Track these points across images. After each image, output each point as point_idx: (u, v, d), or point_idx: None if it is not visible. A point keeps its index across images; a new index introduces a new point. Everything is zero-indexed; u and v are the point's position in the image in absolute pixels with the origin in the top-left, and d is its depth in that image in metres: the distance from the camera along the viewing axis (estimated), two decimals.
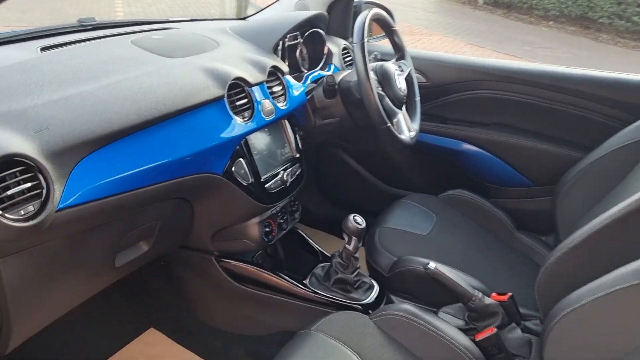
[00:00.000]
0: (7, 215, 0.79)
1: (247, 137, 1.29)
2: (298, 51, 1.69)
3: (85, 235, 1.02)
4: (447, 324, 1.19)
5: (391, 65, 1.56)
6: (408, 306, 1.20)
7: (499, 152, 1.86)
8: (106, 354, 1.52)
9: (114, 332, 1.60)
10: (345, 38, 2.05)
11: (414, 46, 7.19)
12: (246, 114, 1.29)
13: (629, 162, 1.43)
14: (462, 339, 1.15)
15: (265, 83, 1.37)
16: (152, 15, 7.90)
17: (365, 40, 1.42)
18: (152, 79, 1.13)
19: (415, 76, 1.73)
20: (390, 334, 1.17)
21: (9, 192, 0.80)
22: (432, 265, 1.33)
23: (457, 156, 1.95)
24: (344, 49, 1.92)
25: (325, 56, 1.79)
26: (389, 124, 1.44)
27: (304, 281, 1.45)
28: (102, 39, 1.35)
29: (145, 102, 1.05)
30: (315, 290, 1.42)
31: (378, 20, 1.59)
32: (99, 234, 1.05)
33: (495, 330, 1.20)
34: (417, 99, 1.72)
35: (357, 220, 1.35)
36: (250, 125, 1.28)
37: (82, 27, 1.52)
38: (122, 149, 0.99)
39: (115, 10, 7.73)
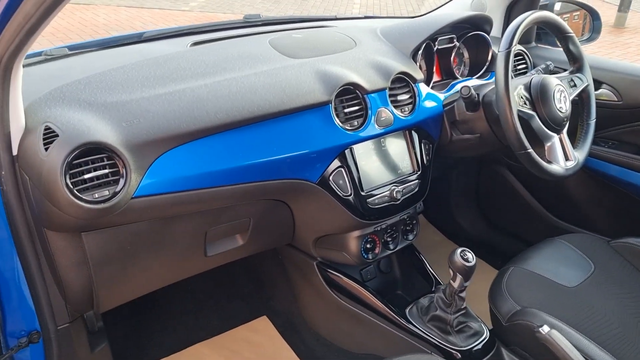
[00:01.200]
0: (81, 196, 0.89)
1: (355, 147, 1.22)
2: (453, 55, 1.53)
3: (167, 222, 1.10)
4: None
5: (552, 80, 1.30)
6: None
7: None
8: (215, 330, 1.63)
9: (231, 311, 1.71)
10: (526, 42, 1.78)
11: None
12: (356, 122, 1.22)
13: None
14: None
15: (387, 90, 1.27)
16: (385, 8, 8.10)
17: (513, 48, 1.21)
18: (258, 79, 1.14)
19: (593, 93, 1.41)
20: None
21: (86, 176, 0.90)
22: (544, 329, 1.09)
23: None
24: (518, 54, 1.66)
25: (488, 62, 1.58)
26: (529, 150, 1.20)
27: (406, 308, 1.33)
28: (246, 37, 1.42)
29: (239, 102, 1.07)
30: (413, 321, 1.29)
31: (545, 24, 1.33)
32: (181, 223, 1.12)
33: None
34: (592, 121, 1.40)
35: (465, 256, 1.17)
36: (358, 134, 1.21)
37: (246, 23, 1.63)
38: (206, 147, 1.03)
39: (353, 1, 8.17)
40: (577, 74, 1.40)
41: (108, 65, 1.14)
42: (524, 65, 1.68)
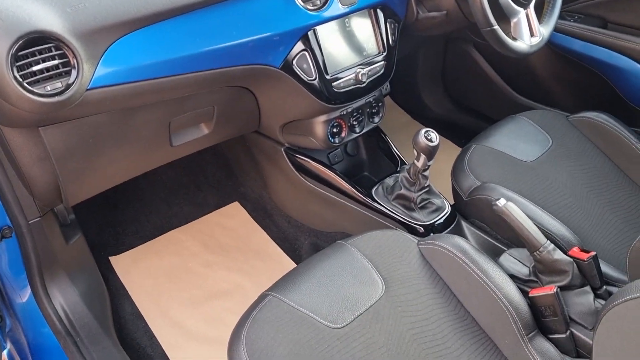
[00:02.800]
0: (32, 89, 0.85)
1: (318, 28, 1.17)
2: None
3: (128, 113, 1.07)
4: (499, 271, 1.04)
5: None
6: (461, 242, 1.07)
7: None
8: (189, 217, 1.67)
9: (202, 198, 1.75)
10: None
11: None
12: (318, 1, 1.16)
13: None
14: (510, 291, 1.01)
15: None
16: None
17: None
18: None
19: None
20: (432, 266, 1.07)
21: (34, 68, 0.85)
22: (501, 202, 1.15)
23: (611, 72, 1.56)
24: None
25: None
26: (495, 27, 1.18)
27: (372, 188, 1.38)
28: None
29: None
30: (379, 200, 1.34)
31: None
32: (143, 114, 1.10)
33: (555, 289, 1.03)
34: None
35: (429, 137, 1.19)
36: (320, 15, 1.16)
37: None
38: (161, 33, 0.98)
39: None
40: None
41: None
42: None
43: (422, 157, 1.22)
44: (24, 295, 1.21)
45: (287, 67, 1.16)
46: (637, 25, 1.50)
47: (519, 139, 1.42)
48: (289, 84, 1.19)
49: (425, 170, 1.25)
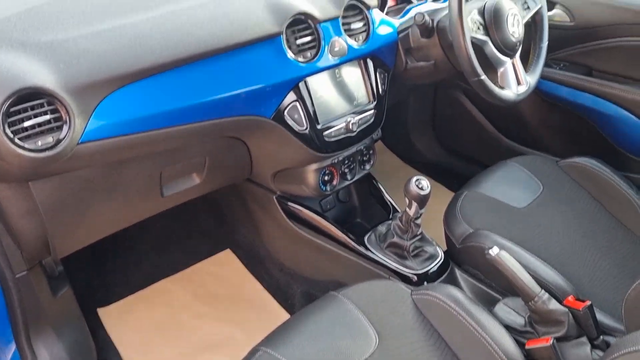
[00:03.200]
0: (23, 144, 0.85)
1: (309, 79, 1.19)
2: None
3: (119, 166, 1.07)
4: (494, 322, 1.03)
5: (506, 4, 1.28)
6: (455, 292, 1.06)
7: None
8: (179, 266, 1.65)
9: (194, 247, 1.73)
10: None
11: None
12: (309, 53, 1.18)
13: None
14: (505, 343, 0.99)
15: (340, 19, 1.23)
16: None
17: None
18: (204, 12, 1.08)
19: (546, 16, 1.40)
20: (427, 317, 1.05)
21: (26, 124, 0.85)
22: (494, 250, 1.14)
23: (598, 118, 1.59)
24: None
25: None
26: (482, 77, 1.21)
27: (365, 236, 1.37)
28: None
29: (186, 38, 1.02)
30: (371, 249, 1.33)
31: None
32: (134, 166, 1.10)
33: (551, 341, 1.01)
34: (544, 44, 1.40)
35: (420, 185, 1.20)
36: (312, 66, 1.18)
37: None
38: (153, 86, 0.99)
39: None
40: None
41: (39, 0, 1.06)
42: None
43: (414, 205, 1.22)
44: (9, 352, 1.18)
45: (279, 117, 1.17)
46: (620, 73, 1.53)
47: (510, 185, 1.43)
48: (280, 134, 1.19)
49: (417, 218, 1.25)
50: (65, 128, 0.89)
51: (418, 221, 1.26)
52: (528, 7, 1.36)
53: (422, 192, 1.19)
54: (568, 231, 1.32)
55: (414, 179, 1.20)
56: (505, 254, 1.14)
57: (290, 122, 1.18)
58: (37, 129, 0.87)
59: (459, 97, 1.89)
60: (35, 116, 0.86)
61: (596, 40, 1.53)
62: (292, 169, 1.34)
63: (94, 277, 1.61)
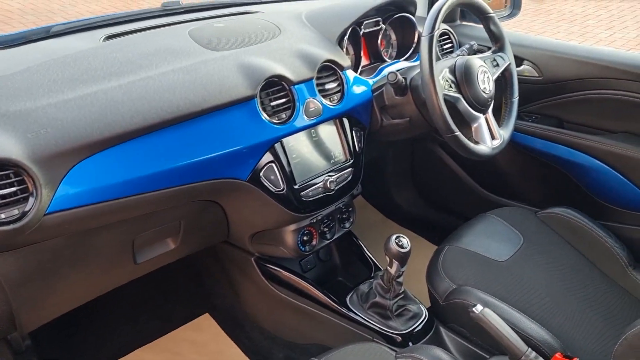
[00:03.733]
0: None
1: (285, 140, 1.19)
2: (380, 38, 1.52)
3: (89, 234, 1.04)
4: None
5: (475, 62, 1.31)
6: (440, 354, 1.02)
7: (624, 169, 1.49)
8: (155, 333, 1.58)
9: (171, 312, 1.67)
10: (451, 21, 1.80)
11: (596, 15, 6.23)
12: (284, 114, 1.19)
13: None
14: None
15: (314, 80, 1.24)
16: None
17: (436, 32, 1.21)
18: (177, 76, 1.09)
19: (515, 71, 1.44)
20: None
21: None
22: (478, 308, 1.12)
23: (572, 168, 1.61)
24: (443, 34, 1.68)
25: (414, 44, 1.58)
26: (457, 133, 1.22)
27: (347, 296, 1.33)
28: (163, 28, 1.34)
29: (157, 103, 1.01)
30: (354, 309, 1.30)
31: (466, 5, 1.34)
32: (105, 234, 1.07)
33: None
34: (515, 99, 1.43)
35: (400, 242, 1.18)
36: (287, 127, 1.18)
37: (164, 12, 1.54)
38: (124, 153, 0.97)
39: None
40: (499, 53, 1.42)
41: (10, 69, 1.05)
42: (449, 45, 1.70)
43: (395, 263, 1.20)
44: None
45: (255, 179, 1.16)
46: (590, 124, 1.57)
47: (491, 238, 1.42)
48: (257, 196, 1.18)
49: (399, 276, 1.22)
50: (31, 200, 0.86)
51: (400, 279, 1.24)
52: (497, 64, 1.39)
53: (403, 250, 1.18)
54: (551, 283, 1.31)
55: (394, 237, 1.19)
56: (489, 312, 1.11)
57: (266, 183, 1.17)
58: (2, 201, 0.84)
59: (436, 150, 1.91)
60: (1, 188, 0.84)
61: (565, 93, 1.57)
62: (270, 230, 1.31)
63: (63, 349, 1.53)
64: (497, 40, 1.43)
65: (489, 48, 1.49)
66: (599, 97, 1.51)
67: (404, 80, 1.32)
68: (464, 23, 1.83)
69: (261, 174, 1.16)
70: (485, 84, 1.31)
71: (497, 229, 1.46)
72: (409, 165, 2.08)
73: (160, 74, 1.08)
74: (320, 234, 1.36)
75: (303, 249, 1.31)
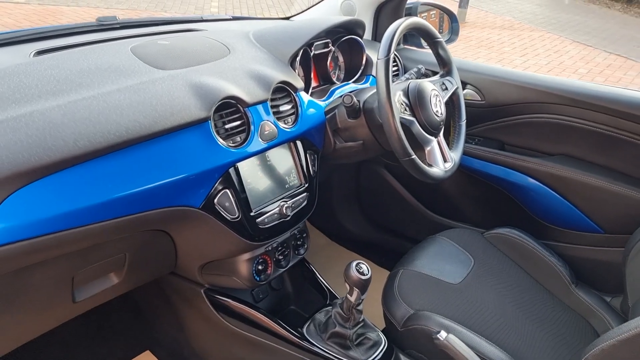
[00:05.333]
0: None
1: (239, 165, 1.13)
2: (329, 60, 1.50)
3: (22, 273, 0.92)
4: None
5: (427, 85, 1.32)
6: None
7: (563, 190, 1.56)
8: None
9: (108, 351, 1.53)
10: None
11: (510, 43, 6.65)
12: (238, 137, 1.13)
13: None
14: None
15: (269, 102, 1.20)
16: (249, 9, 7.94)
17: (392, 55, 1.20)
18: (124, 96, 1.00)
19: (462, 95, 1.47)
20: None
21: None
22: (442, 335, 1.11)
23: (514, 189, 1.66)
24: None
25: (363, 66, 1.58)
26: (413, 157, 1.21)
27: (303, 326, 1.28)
28: (102, 43, 1.25)
29: (103, 126, 0.92)
30: (312, 340, 1.24)
31: (417, 29, 1.35)
32: (40, 271, 0.95)
33: None
34: (463, 122, 1.46)
35: (361, 269, 1.15)
36: (242, 151, 1.12)
37: (100, 27, 1.44)
38: (65, 181, 0.87)
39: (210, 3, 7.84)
40: (447, 77, 1.45)
41: None
42: (396, 69, 1.71)
43: (356, 291, 1.16)
44: None
45: (209, 207, 1.08)
46: (530, 147, 1.63)
47: (443, 261, 1.43)
48: (210, 224, 1.10)
49: (358, 304, 1.19)
50: None
51: (360, 307, 1.20)
52: (446, 88, 1.42)
53: (364, 277, 1.14)
54: (503, 304, 1.32)
55: (354, 264, 1.15)
56: (453, 338, 1.11)
57: (221, 211, 1.10)
58: None
59: (381, 172, 1.91)
60: None
61: (506, 117, 1.63)
62: (222, 260, 1.24)
63: None
64: (445, 65, 1.45)
65: (434, 72, 1.51)
66: (538, 120, 1.57)
67: (357, 103, 1.30)
68: (406, 47, 1.86)
69: (215, 201, 1.09)
70: (438, 107, 1.32)
71: (448, 251, 1.47)
72: (354, 187, 2.07)
73: (104, 93, 0.99)
74: (275, 262, 1.29)
75: (258, 278, 1.25)
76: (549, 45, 6.65)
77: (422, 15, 1.89)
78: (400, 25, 1.25)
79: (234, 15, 1.87)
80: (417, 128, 1.28)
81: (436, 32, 1.39)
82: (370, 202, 2.04)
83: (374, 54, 1.63)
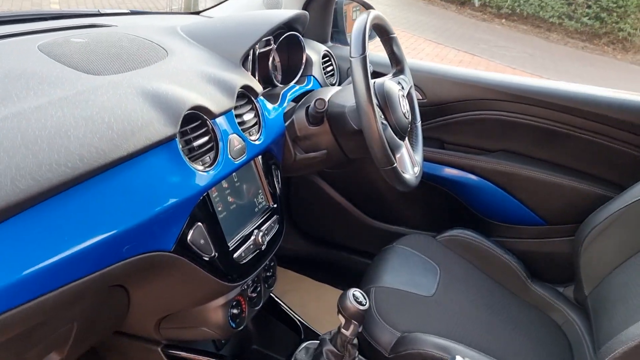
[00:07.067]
0: None
1: (210, 192, 0.91)
2: (270, 61, 1.31)
3: None
4: None
5: (393, 85, 1.21)
6: None
7: (507, 185, 1.56)
8: None
9: None
10: (324, 42, 1.68)
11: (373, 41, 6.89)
12: (207, 157, 0.91)
13: None
14: None
15: (233, 111, 0.99)
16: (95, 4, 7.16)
17: (368, 53, 1.07)
18: (63, 113, 0.72)
19: (415, 95, 1.39)
20: None
21: None
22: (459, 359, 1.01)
23: (457, 188, 1.64)
24: (324, 55, 1.55)
25: (303, 66, 1.42)
26: (395, 165, 1.09)
27: None
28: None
29: (47, 155, 0.65)
30: None
31: (377, 25, 1.24)
32: None
33: None
34: (419, 123, 1.38)
35: (358, 299, 1.00)
36: (214, 173, 0.90)
37: None
38: None
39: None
40: (401, 76, 1.35)
41: None
42: (331, 68, 1.58)
43: (353, 324, 1.00)
44: None
45: (182, 248, 0.84)
46: (470, 144, 1.61)
47: (411, 272, 1.34)
48: (182, 269, 0.86)
49: (354, 338, 1.04)
50: None
51: (355, 341, 1.05)
52: (402, 87, 1.32)
53: (363, 307, 1.00)
54: (477, 311, 1.28)
55: (350, 293, 1.00)
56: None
57: (196, 250, 0.87)
58: None
59: (314, 180, 1.77)
60: None
61: (447, 115, 1.59)
62: (188, 311, 0.99)
63: None
64: (398, 63, 1.35)
65: (377, 73, 1.41)
66: (479, 117, 1.55)
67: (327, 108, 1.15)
68: (336, 45, 1.74)
69: (188, 239, 0.85)
70: (405, 108, 1.22)
71: (413, 261, 1.38)
72: (284, 199, 1.89)
73: (32, 109, 0.71)
74: (249, 302, 1.08)
75: (234, 325, 1.02)
76: (406, 43, 7.01)
77: (344, 10, 1.78)
78: (368, 20, 1.12)
79: (131, 10, 1.58)
80: (390, 132, 1.17)
81: (391, 27, 1.29)
82: (303, 215, 1.87)
83: (311, 53, 1.48)
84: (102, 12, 1.42)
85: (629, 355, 0.87)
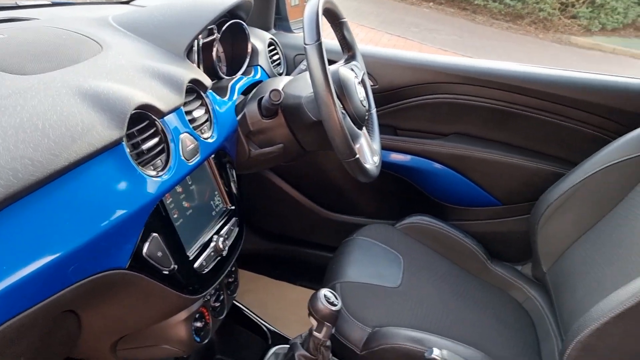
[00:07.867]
0: None
1: (165, 199, 0.82)
2: (214, 51, 1.22)
3: None
4: None
5: (348, 72, 1.16)
6: None
7: (461, 168, 1.56)
8: None
9: None
10: (267, 29, 1.61)
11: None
12: (159, 161, 0.82)
13: (625, 182, 1.19)
14: None
15: (182, 107, 0.90)
16: None
17: (323, 39, 1.01)
18: None
19: (368, 81, 1.35)
20: None
21: None
22: (435, 354, 0.98)
23: (412, 174, 1.62)
24: (270, 44, 1.47)
25: (249, 56, 1.34)
26: (357, 156, 1.05)
27: None
28: None
29: None
30: None
31: (327, 10, 1.18)
32: None
33: None
34: (374, 110, 1.34)
35: (330, 300, 0.95)
36: (167, 177, 0.81)
37: None
38: None
39: None
40: (354, 62, 1.30)
41: None
42: (277, 56, 1.51)
43: (326, 326, 0.96)
44: None
45: (138, 263, 0.76)
46: (423, 130, 1.59)
47: (375, 264, 1.31)
48: (139, 286, 0.78)
49: (327, 340, 0.99)
50: None
51: (328, 343, 1.00)
52: (356, 75, 1.27)
53: (335, 308, 0.95)
54: (444, 298, 1.27)
55: (321, 294, 0.95)
56: (446, 353, 0.99)
57: (153, 264, 0.79)
58: None
59: (266, 175, 1.70)
60: None
61: (399, 100, 1.56)
62: (147, 329, 0.91)
63: None
64: (349, 48, 1.30)
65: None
66: (431, 102, 1.53)
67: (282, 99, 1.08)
68: (280, 32, 1.66)
69: (144, 252, 0.77)
70: (362, 96, 1.18)
71: (375, 252, 1.35)
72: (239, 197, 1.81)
73: None
74: (212, 312, 1.01)
75: (199, 339, 0.95)
76: None
77: None
78: (318, 4, 1.06)
79: (53, 1, 1.44)
80: (349, 122, 1.12)
81: (341, 11, 1.24)
82: (258, 212, 1.80)
83: (257, 41, 1.40)
84: (20, 4, 1.28)
85: (599, 333, 0.87)
